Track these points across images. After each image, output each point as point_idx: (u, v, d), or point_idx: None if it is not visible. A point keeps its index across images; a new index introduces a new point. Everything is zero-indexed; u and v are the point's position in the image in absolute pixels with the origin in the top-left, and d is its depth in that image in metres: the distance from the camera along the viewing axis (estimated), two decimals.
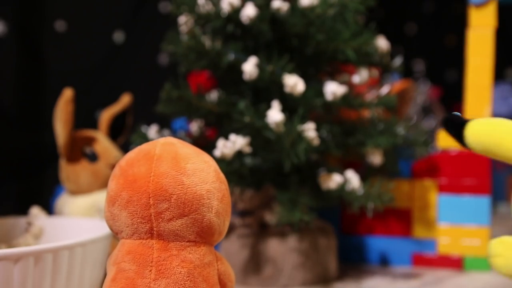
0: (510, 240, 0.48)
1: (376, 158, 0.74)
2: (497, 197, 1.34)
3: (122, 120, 0.88)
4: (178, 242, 0.40)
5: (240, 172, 0.69)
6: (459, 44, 0.89)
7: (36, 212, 0.71)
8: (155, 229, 0.40)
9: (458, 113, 0.55)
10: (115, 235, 0.43)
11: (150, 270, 0.40)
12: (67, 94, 0.75)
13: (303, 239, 0.72)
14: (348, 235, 0.86)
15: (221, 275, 0.42)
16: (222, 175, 0.43)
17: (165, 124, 0.85)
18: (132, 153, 0.43)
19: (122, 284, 0.40)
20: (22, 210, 0.77)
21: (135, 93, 0.92)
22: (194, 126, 0.80)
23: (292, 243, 0.71)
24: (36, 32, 1.19)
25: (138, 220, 0.40)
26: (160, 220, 0.40)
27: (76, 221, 0.69)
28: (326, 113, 0.74)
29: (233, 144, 0.66)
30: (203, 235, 0.41)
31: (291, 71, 0.68)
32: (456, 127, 0.51)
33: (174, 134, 0.81)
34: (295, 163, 0.67)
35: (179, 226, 0.40)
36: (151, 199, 0.40)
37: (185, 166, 0.41)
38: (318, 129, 0.69)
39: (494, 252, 0.49)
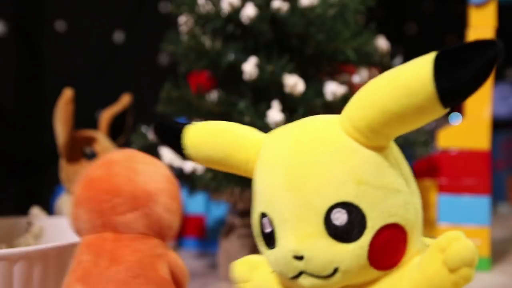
0: (255, 259, 0.42)
1: None
2: (497, 197, 1.35)
3: (122, 120, 0.88)
4: (130, 234, 0.44)
5: None
6: None
7: (36, 212, 0.71)
8: (108, 222, 0.44)
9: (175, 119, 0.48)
10: (78, 235, 0.46)
11: (104, 259, 0.43)
12: (67, 94, 0.75)
13: None
14: None
15: (173, 267, 0.45)
16: (171, 178, 0.47)
17: None
18: (95, 162, 0.47)
19: (79, 273, 0.43)
20: (22, 210, 0.77)
21: (135, 93, 0.92)
22: None
23: None
24: (36, 32, 1.19)
25: (94, 215, 0.44)
26: (114, 213, 0.44)
27: None
28: (326, 113, 0.74)
29: None
30: (154, 229, 0.44)
31: (291, 71, 0.68)
32: (171, 135, 0.42)
33: None
34: None
35: (130, 219, 0.43)
36: (104, 195, 0.44)
37: (136, 167, 0.45)
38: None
39: (241, 277, 0.42)
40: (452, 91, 0.30)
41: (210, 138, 0.40)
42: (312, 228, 0.33)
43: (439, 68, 0.30)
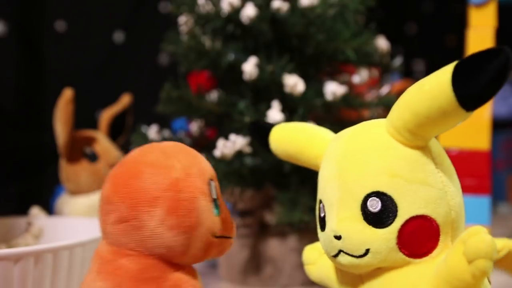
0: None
1: None
2: (497, 197, 1.34)
3: (122, 120, 0.88)
4: (120, 248, 0.39)
5: (240, 172, 0.69)
6: (459, 44, 0.89)
7: (36, 212, 0.71)
8: (103, 231, 0.40)
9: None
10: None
11: (93, 271, 0.40)
12: (67, 94, 0.75)
13: (303, 239, 0.72)
14: None
15: None
16: (185, 186, 0.39)
17: (165, 124, 0.85)
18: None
19: (82, 281, 0.40)
20: (22, 210, 0.77)
21: (135, 93, 0.93)
22: (194, 126, 0.80)
23: (292, 243, 0.71)
24: (36, 32, 1.19)
25: (99, 222, 0.41)
26: (106, 222, 0.39)
27: (76, 221, 0.69)
28: (326, 113, 0.74)
29: (233, 144, 0.66)
30: (147, 246, 0.38)
31: (291, 71, 0.68)
32: (261, 133, 0.49)
33: (174, 134, 0.81)
34: (295, 163, 0.67)
35: (119, 231, 0.38)
36: (102, 200, 0.40)
37: (142, 169, 0.39)
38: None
39: (307, 259, 0.48)
40: (469, 95, 0.33)
41: (288, 136, 0.47)
42: (350, 212, 0.38)
43: (456, 74, 0.34)
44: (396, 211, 0.37)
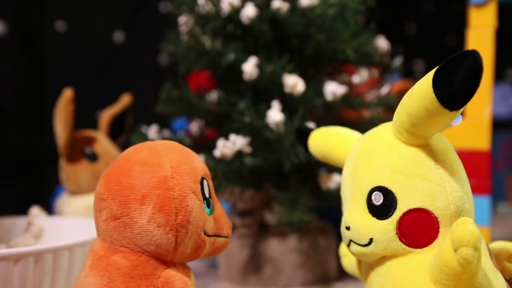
0: None
1: None
2: (497, 197, 1.34)
3: (122, 120, 0.88)
4: (113, 245, 0.39)
5: (240, 172, 0.69)
6: (459, 44, 0.89)
7: (36, 212, 0.71)
8: (97, 228, 0.41)
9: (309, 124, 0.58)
10: None
11: (86, 267, 0.40)
12: (67, 94, 0.75)
13: (303, 239, 0.72)
14: None
15: None
16: (174, 184, 0.39)
17: (165, 124, 0.85)
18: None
19: (77, 277, 0.41)
20: (22, 210, 0.77)
21: (135, 93, 0.92)
22: (194, 126, 0.80)
23: (292, 243, 0.71)
24: (36, 32, 1.19)
25: (94, 219, 0.41)
26: (99, 219, 0.40)
27: (76, 221, 0.69)
28: (326, 113, 0.74)
29: (233, 144, 0.66)
30: (139, 243, 0.38)
31: (291, 71, 0.68)
32: (302, 136, 0.53)
33: (174, 134, 0.81)
34: (295, 163, 0.67)
35: (111, 228, 0.39)
36: (95, 198, 0.41)
37: (132, 167, 0.39)
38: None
39: (341, 252, 0.53)
40: (446, 95, 0.36)
41: (322, 139, 0.51)
42: (358, 206, 0.43)
43: (436, 77, 0.37)
44: (396, 204, 0.41)
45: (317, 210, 0.73)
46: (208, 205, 0.42)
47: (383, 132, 0.44)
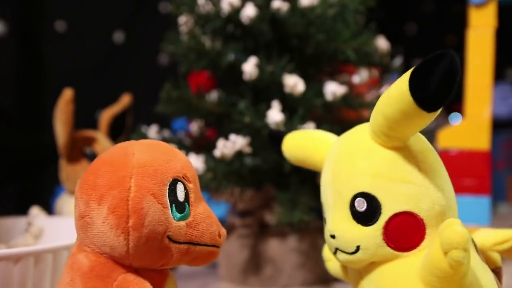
0: None
1: None
2: (497, 197, 1.34)
3: (122, 120, 0.88)
4: (81, 244, 0.39)
5: (240, 172, 0.69)
6: (459, 44, 0.89)
7: (36, 212, 0.71)
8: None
9: (280, 129, 0.57)
10: None
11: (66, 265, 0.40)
12: (67, 94, 0.75)
13: (303, 239, 0.72)
14: None
15: None
16: (132, 185, 0.37)
17: (165, 124, 0.85)
18: None
19: None
20: (22, 210, 0.77)
21: (135, 93, 0.92)
22: (194, 126, 0.80)
23: (292, 243, 0.71)
24: (36, 32, 1.19)
25: None
26: (76, 218, 0.39)
27: None
28: (326, 113, 0.74)
29: (233, 144, 0.66)
30: (98, 245, 0.37)
31: (291, 71, 0.68)
32: (275, 141, 0.52)
33: (174, 134, 0.81)
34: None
35: (79, 227, 0.38)
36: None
37: (99, 166, 0.38)
38: (318, 129, 0.69)
39: (325, 256, 0.51)
40: (423, 97, 0.35)
41: (297, 143, 0.49)
42: (341, 213, 0.41)
43: (412, 79, 0.36)
44: (380, 209, 0.40)
45: (317, 210, 0.73)
46: (181, 210, 0.39)
47: (361, 134, 0.43)
